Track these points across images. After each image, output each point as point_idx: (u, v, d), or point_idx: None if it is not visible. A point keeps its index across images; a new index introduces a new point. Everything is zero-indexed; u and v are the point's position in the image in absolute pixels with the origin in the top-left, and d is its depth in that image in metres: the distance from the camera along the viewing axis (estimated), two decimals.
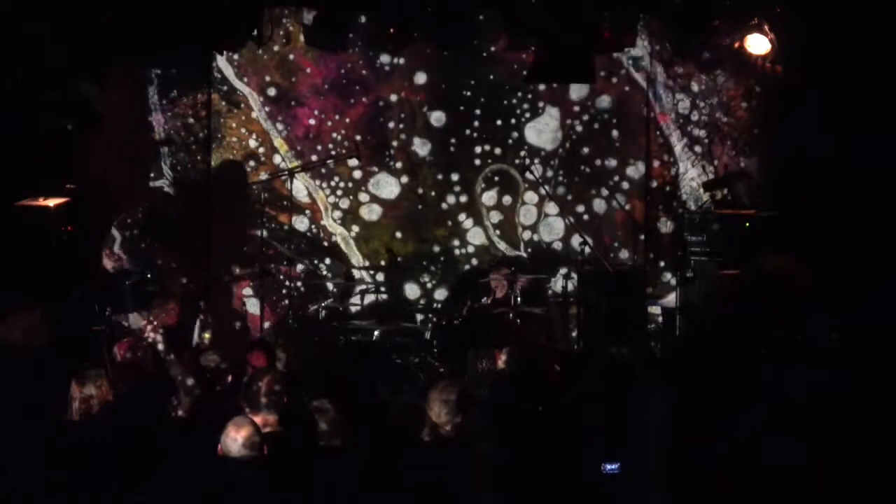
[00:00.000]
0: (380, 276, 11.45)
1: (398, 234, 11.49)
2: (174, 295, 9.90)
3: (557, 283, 11.18)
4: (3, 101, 9.17)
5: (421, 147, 11.47)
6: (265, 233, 11.07)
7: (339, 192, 11.43)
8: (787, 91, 10.64)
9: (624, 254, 11.41)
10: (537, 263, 11.23)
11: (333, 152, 11.29)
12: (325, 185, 11.41)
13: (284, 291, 11.24)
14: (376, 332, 10.22)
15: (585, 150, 11.47)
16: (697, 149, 11.42)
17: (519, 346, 8.53)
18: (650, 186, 11.40)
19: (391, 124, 11.41)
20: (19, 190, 9.42)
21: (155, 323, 7.21)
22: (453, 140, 11.48)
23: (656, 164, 11.41)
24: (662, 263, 11.37)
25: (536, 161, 11.42)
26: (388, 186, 11.47)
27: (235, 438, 5.59)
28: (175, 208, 11.11)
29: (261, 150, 11.34)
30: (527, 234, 11.56)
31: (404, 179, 11.46)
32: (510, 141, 11.50)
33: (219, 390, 7.39)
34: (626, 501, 5.78)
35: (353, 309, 11.01)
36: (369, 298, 11.13)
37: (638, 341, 10.06)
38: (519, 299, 10.16)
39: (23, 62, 8.87)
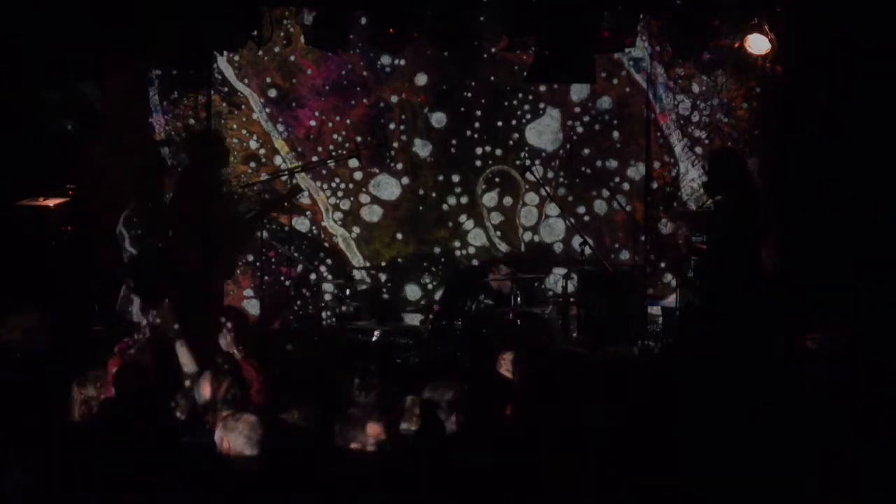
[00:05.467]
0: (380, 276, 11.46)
1: (399, 236, 11.49)
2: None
3: (558, 284, 11.17)
4: (3, 101, 9.18)
5: (422, 148, 11.47)
6: (266, 234, 11.07)
7: (339, 194, 11.42)
8: (788, 91, 10.64)
9: (624, 255, 11.40)
10: (534, 261, 11.20)
11: (334, 153, 11.29)
12: (325, 186, 11.41)
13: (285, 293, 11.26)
14: (376, 332, 10.22)
15: (586, 151, 11.47)
16: (698, 150, 11.41)
17: (526, 348, 8.46)
18: (651, 187, 11.39)
19: (392, 125, 11.41)
20: (19, 190, 9.43)
21: (159, 321, 7.21)
22: (454, 141, 11.47)
23: (657, 165, 11.40)
24: (663, 264, 11.36)
25: (537, 162, 11.41)
26: (388, 187, 11.46)
27: (250, 436, 5.59)
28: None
29: (261, 151, 11.33)
30: (528, 235, 11.56)
31: (405, 181, 11.46)
32: (511, 142, 11.50)
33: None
34: None
35: (354, 309, 10.99)
36: (369, 299, 11.12)
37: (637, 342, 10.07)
38: (519, 299, 10.15)
39: (23, 62, 8.87)
